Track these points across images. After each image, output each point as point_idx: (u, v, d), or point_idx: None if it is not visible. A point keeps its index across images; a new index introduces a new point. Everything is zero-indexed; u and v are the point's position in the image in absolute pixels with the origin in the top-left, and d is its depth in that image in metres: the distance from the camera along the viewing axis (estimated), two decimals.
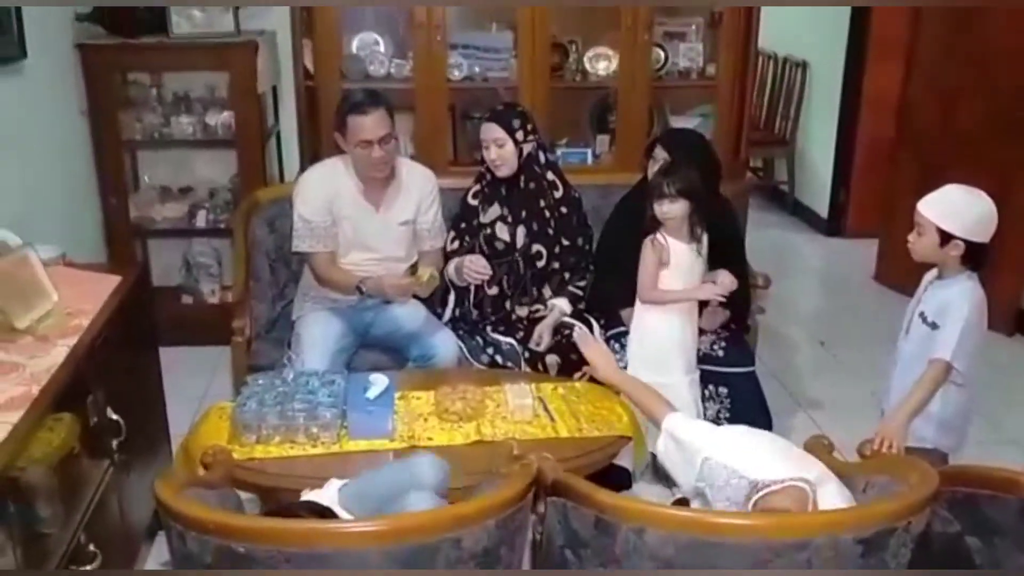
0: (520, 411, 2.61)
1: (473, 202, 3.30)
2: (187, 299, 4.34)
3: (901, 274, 4.98)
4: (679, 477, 2.13)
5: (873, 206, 5.48)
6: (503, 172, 3.18)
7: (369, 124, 2.98)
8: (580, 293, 3.30)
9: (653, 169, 3.17)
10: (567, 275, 3.29)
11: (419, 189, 3.23)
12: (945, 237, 2.44)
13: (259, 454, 2.43)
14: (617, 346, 3.23)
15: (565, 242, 3.27)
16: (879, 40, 5.53)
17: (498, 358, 3.15)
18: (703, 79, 4.23)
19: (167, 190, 4.31)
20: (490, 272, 3.18)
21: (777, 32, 5.92)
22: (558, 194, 3.27)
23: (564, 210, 3.27)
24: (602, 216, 3.49)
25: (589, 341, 2.83)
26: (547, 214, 3.24)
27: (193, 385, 3.75)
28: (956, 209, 2.44)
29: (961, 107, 4.63)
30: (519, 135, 3.14)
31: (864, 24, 5.58)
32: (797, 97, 6.31)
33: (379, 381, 2.63)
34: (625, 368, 3.06)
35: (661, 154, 3.17)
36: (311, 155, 3.91)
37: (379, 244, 3.17)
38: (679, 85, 4.29)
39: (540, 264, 3.26)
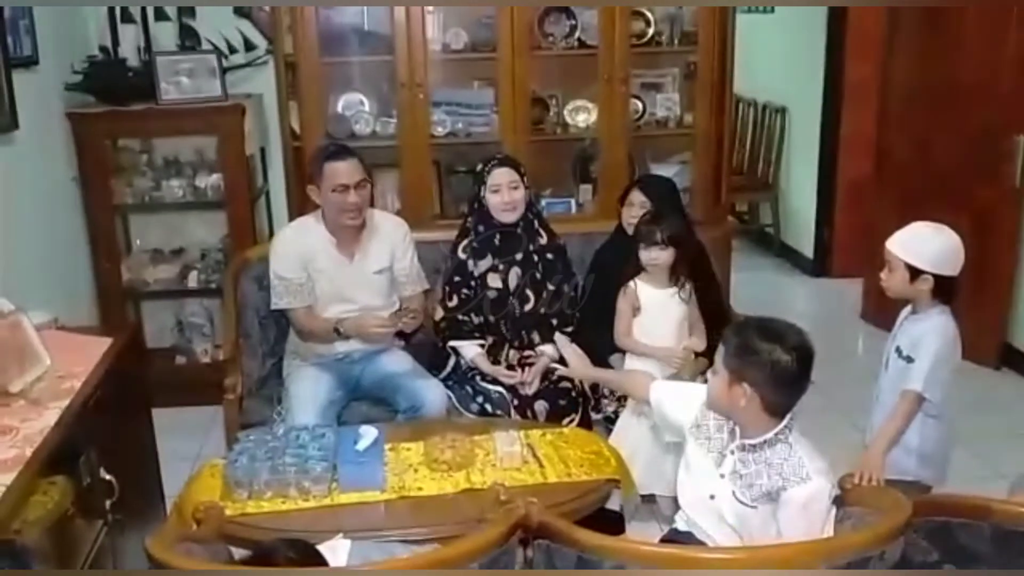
0: (509, 458, 2.64)
1: (463, 256, 3.35)
2: (180, 360, 4.37)
3: (886, 312, 5.00)
4: (677, 416, 2.30)
5: (857, 246, 5.55)
6: (512, 217, 3.25)
7: (346, 169, 3.09)
8: (568, 332, 3.34)
9: (629, 214, 3.26)
10: (554, 321, 3.33)
11: (391, 237, 3.31)
12: (914, 272, 2.50)
13: (251, 509, 2.45)
14: (606, 391, 3.27)
15: (551, 287, 3.33)
16: (853, 83, 5.66)
17: (488, 407, 3.19)
18: (681, 127, 4.31)
19: (159, 252, 4.37)
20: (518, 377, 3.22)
21: (756, 80, 6.08)
22: (543, 241, 3.36)
23: (550, 256, 3.35)
24: (586, 264, 3.56)
25: (565, 344, 2.98)
26: (535, 259, 3.31)
27: (188, 445, 3.77)
28: (923, 245, 2.51)
29: (934, 146, 4.73)
30: (525, 180, 3.28)
31: (838, 69, 5.71)
32: (777, 142, 6.43)
33: (368, 433, 2.66)
34: (618, 416, 3.10)
35: (638, 198, 3.26)
36: (299, 213, 3.96)
37: (356, 294, 3.23)
38: (658, 134, 4.38)
39: (528, 308, 3.31)
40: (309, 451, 2.56)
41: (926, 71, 4.73)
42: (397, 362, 3.30)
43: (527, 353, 3.32)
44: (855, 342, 5.16)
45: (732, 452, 2.15)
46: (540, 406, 3.16)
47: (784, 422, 2.08)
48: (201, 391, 3.83)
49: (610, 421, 3.19)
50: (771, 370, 2.01)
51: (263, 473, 2.49)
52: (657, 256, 2.99)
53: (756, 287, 5.43)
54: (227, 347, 3.39)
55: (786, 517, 2.04)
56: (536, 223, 3.38)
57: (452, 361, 3.33)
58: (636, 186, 3.36)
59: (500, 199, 3.23)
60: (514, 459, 2.64)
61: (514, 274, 3.31)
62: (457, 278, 3.35)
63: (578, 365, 2.85)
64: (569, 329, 3.35)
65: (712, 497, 2.18)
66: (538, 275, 3.31)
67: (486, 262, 3.32)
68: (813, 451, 2.09)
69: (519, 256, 3.31)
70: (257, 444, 2.61)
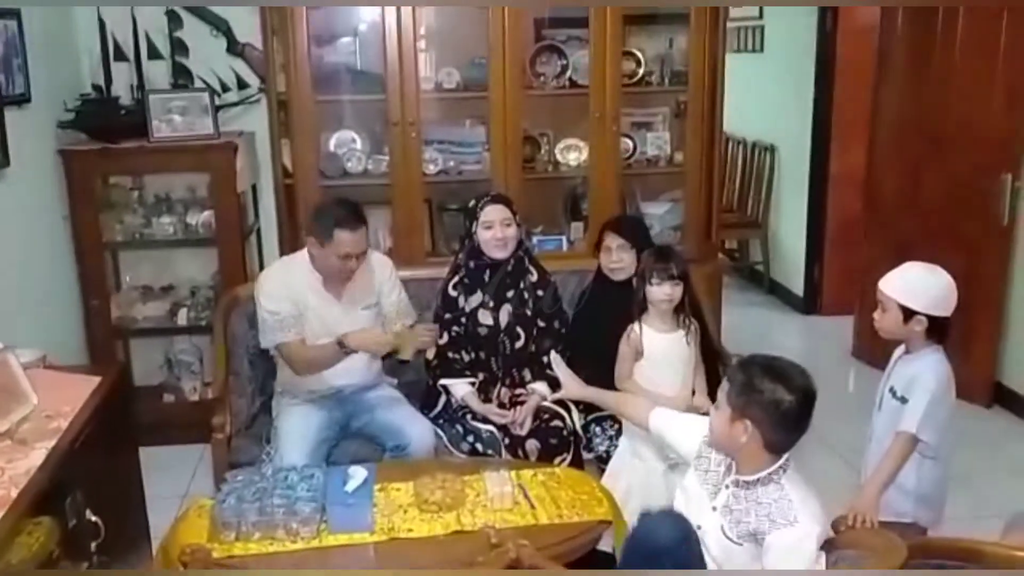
0: (500, 499, 2.61)
1: (453, 292, 3.35)
2: (169, 398, 4.34)
3: (878, 350, 5.01)
4: (679, 447, 2.36)
5: (847, 283, 5.56)
6: (504, 253, 3.25)
7: (356, 240, 3.09)
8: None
9: (609, 259, 3.27)
10: (544, 359, 3.31)
11: (377, 274, 3.31)
12: (908, 313, 2.50)
13: (239, 551, 2.42)
14: (598, 430, 3.25)
15: (541, 324, 3.33)
16: (842, 121, 5.70)
17: (478, 446, 3.17)
18: (671, 166, 4.35)
19: (149, 289, 4.35)
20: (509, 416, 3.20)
21: (745, 118, 6.13)
22: (533, 279, 3.36)
23: (540, 294, 3.35)
24: (576, 301, 3.56)
25: (559, 362, 2.95)
26: (525, 296, 3.31)
27: (175, 484, 3.74)
28: (916, 286, 2.52)
29: (923, 184, 4.76)
30: (517, 218, 3.29)
31: (827, 108, 5.75)
32: (767, 180, 6.46)
33: (358, 474, 2.64)
34: (610, 455, 3.08)
35: (615, 242, 3.27)
36: (290, 250, 3.96)
37: (345, 331, 3.18)
38: (648, 172, 4.41)
39: (519, 345, 3.31)
40: (297, 492, 2.53)
41: (914, 110, 4.78)
42: (387, 400, 3.29)
43: (518, 391, 3.31)
44: (846, 380, 5.15)
45: (727, 487, 2.16)
46: (531, 445, 3.14)
47: (780, 462, 2.09)
48: (189, 429, 3.81)
49: (602, 460, 3.17)
50: (774, 409, 2.03)
51: (251, 514, 2.46)
52: (671, 292, 2.96)
53: (747, 325, 5.44)
54: (216, 386, 3.36)
55: (770, 562, 2.03)
56: (527, 260, 3.38)
57: (443, 400, 3.31)
58: (608, 230, 3.35)
59: (492, 235, 3.23)
60: (505, 500, 2.61)
61: (505, 312, 3.31)
62: (447, 315, 3.34)
63: (572, 385, 2.86)
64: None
65: (699, 527, 2.19)
66: (528, 312, 3.31)
67: (476, 298, 3.31)
68: (807, 494, 2.09)
69: (510, 294, 3.31)
70: (245, 484, 2.58)
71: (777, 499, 2.06)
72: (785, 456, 2.10)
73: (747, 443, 2.07)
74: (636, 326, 3.01)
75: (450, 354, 3.31)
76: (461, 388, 3.28)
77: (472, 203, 3.34)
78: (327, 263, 3.14)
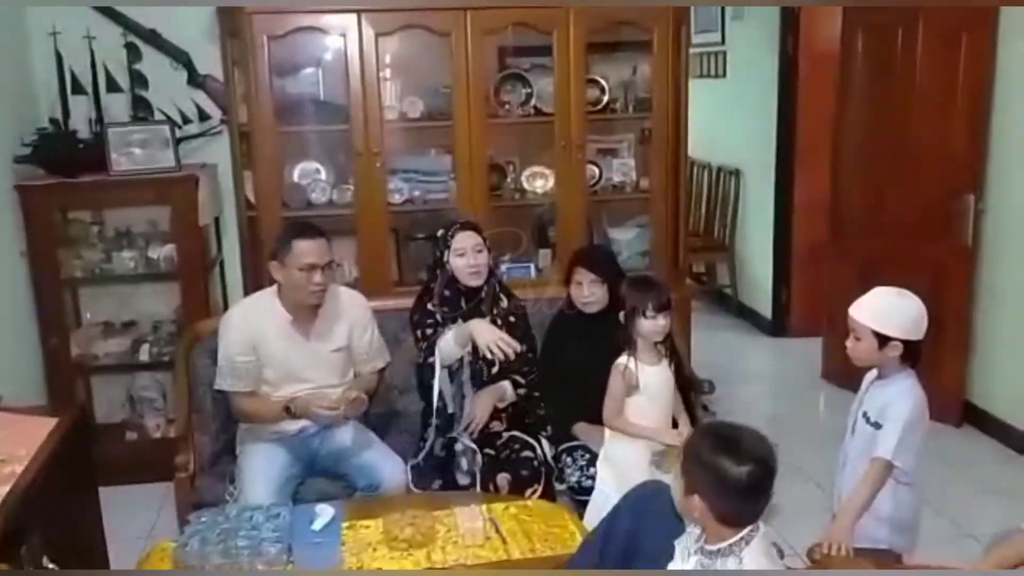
0: (471, 535, 2.57)
1: (432, 307, 3.25)
2: (131, 435, 4.25)
3: (847, 372, 5.01)
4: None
5: (814, 305, 5.59)
6: (478, 280, 3.19)
7: (315, 248, 3.03)
8: (523, 382, 3.28)
9: (580, 294, 3.25)
10: (518, 378, 3.28)
11: (350, 314, 3.24)
12: (882, 339, 2.49)
13: None
14: (569, 460, 3.21)
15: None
16: (806, 145, 5.74)
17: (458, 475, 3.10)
18: (637, 192, 4.35)
19: (110, 325, 4.27)
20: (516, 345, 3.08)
21: (709, 143, 6.16)
22: (504, 304, 3.31)
23: (512, 319, 3.29)
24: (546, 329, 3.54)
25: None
26: (499, 323, 3.24)
27: (139, 524, 3.66)
28: (888, 311, 2.51)
29: (887, 206, 4.80)
30: (487, 243, 3.23)
31: (790, 131, 5.80)
32: (732, 204, 6.50)
33: (325, 512, 2.59)
34: (590, 488, 3.04)
35: (586, 276, 3.25)
36: (254, 284, 3.92)
37: (311, 374, 3.14)
38: (614, 199, 4.41)
39: (495, 371, 3.24)
40: (263, 532, 2.48)
41: (876, 132, 4.83)
42: (354, 436, 3.21)
43: (492, 424, 3.24)
44: (816, 402, 5.16)
45: (694, 552, 2.06)
46: (502, 479, 3.09)
47: (742, 533, 1.96)
48: (153, 467, 3.72)
49: (574, 491, 3.13)
50: (719, 483, 1.91)
51: (215, 557, 2.40)
52: (665, 324, 2.93)
53: (715, 348, 5.44)
54: (179, 424, 3.29)
55: None
56: (498, 287, 3.34)
57: (427, 445, 3.20)
58: (578, 265, 3.33)
59: (465, 262, 3.16)
60: (476, 536, 2.57)
61: None
62: (429, 320, 3.23)
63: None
64: (529, 377, 3.30)
65: None
66: None
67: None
68: (766, 568, 1.98)
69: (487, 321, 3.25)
70: (208, 526, 2.53)
71: (734, 573, 1.96)
72: (749, 528, 1.97)
73: (701, 516, 1.98)
74: (630, 361, 2.94)
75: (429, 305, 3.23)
76: (444, 346, 3.13)
77: (441, 231, 3.28)
78: (294, 286, 3.05)
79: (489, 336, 3.01)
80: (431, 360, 3.14)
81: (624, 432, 2.97)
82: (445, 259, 3.20)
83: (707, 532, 2.01)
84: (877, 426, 2.51)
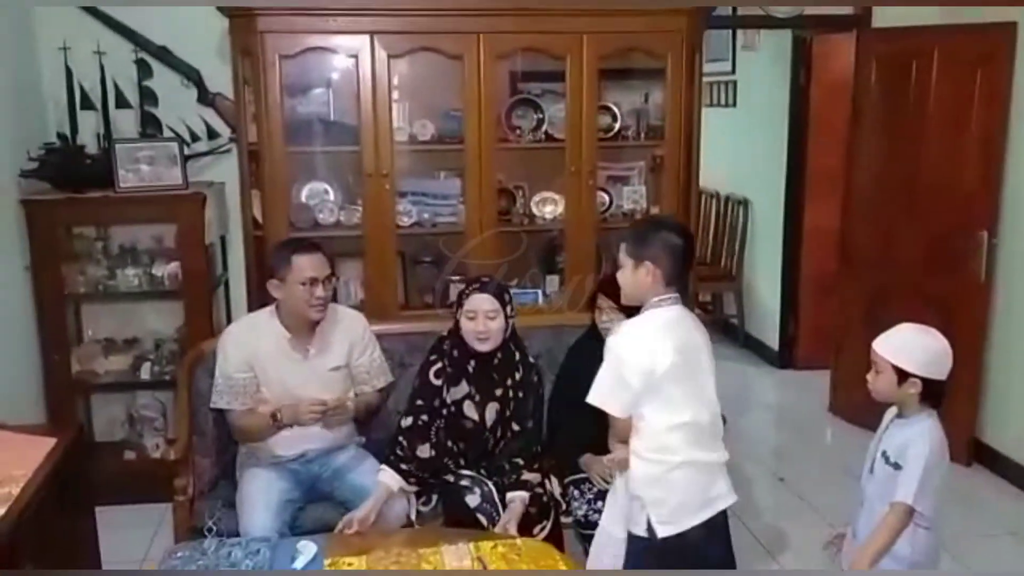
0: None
1: (436, 381, 3.09)
2: (130, 454, 4.20)
3: (855, 406, 5.02)
4: None
5: (822, 337, 5.54)
6: (486, 347, 3.01)
7: (314, 263, 3.02)
8: (536, 481, 3.08)
9: (600, 319, 3.19)
10: (520, 461, 3.08)
11: (350, 333, 3.20)
12: (902, 375, 2.45)
13: None
14: (576, 493, 3.15)
15: (516, 427, 3.12)
16: (816, 176, 5.72)
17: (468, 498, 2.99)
18: None
19: (111, 343, 4.23)
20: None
21: (718, 172, 6.13)
22: (519, 376, 3.13)
23: (521, 394, 3.13)
24: (554, 357, 3.48)
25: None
26: (510, 394, 3.11)
27: (135, 545, 3.61)
28: (911, 347, 2.46)
29: (898, 239, 4.76)
30: (508, 309, 3.05)
31: (801, 162, 5.77)
32: (741, 233, 6.47)
33: (307, 549, 2.55)
34: (588, 519, 2.97)
35: (605, 303, 3.19)
36: (259, 304, 3.86)
37: (309, 392, 3.08)
38: (624, 226, 4.34)
39: (502, 444, 3.13)
40: (242, 570, 2.41)
41: (890, 166, 4.80)
42: (356, 461, 3.17)
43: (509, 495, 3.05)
44: (823, 436, 5.11)
45: None
46: (516, 498, 2.98)
47: (657, 299, 2.47)
48: (151, 487, 3.65)
49: (581, 525, 3.07)
50: (667, 247, 2.45)
51: None
52: None
53: (721, 378, 5.29)
54: (179, 446, 3.23)
55: None
56: (517, 355, 3.14)
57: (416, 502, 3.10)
58: (602, 292, 3.27)
59: (474, 327, 2.99)
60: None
61: (492, 410, 3.08)
62: (420, 401, 3.08)
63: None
64: (535, 469, 3.10)
65: None
66: (508, 413, 3.12)
67: (461, 389, 3.07)
68: (657, 324, 2.46)
69: (498, 391, 3.09)
70: (185, 562, 2.46)
71: (619, 325, 2.62)
72: (667, 297, 2.47)
73: (653, 281, 2.45)
74: None
75: (403, 441, 3.03)
76: (388, 477, 3.00)
77: (462, 287, 3.14)
78: (295, 301, 3.03)
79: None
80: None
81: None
82: (458, 316, 3.05)
83: (646, 300, 2.50)
84: (896, 466, 2.46)
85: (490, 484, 3.05)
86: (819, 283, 5.74)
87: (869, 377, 2.52)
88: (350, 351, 3.18)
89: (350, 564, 2.56)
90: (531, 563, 2.59)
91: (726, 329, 6.72)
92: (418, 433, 3.04)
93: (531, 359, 3.20)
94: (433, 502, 3.07)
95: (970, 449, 4.52)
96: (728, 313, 6.75)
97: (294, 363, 3.10)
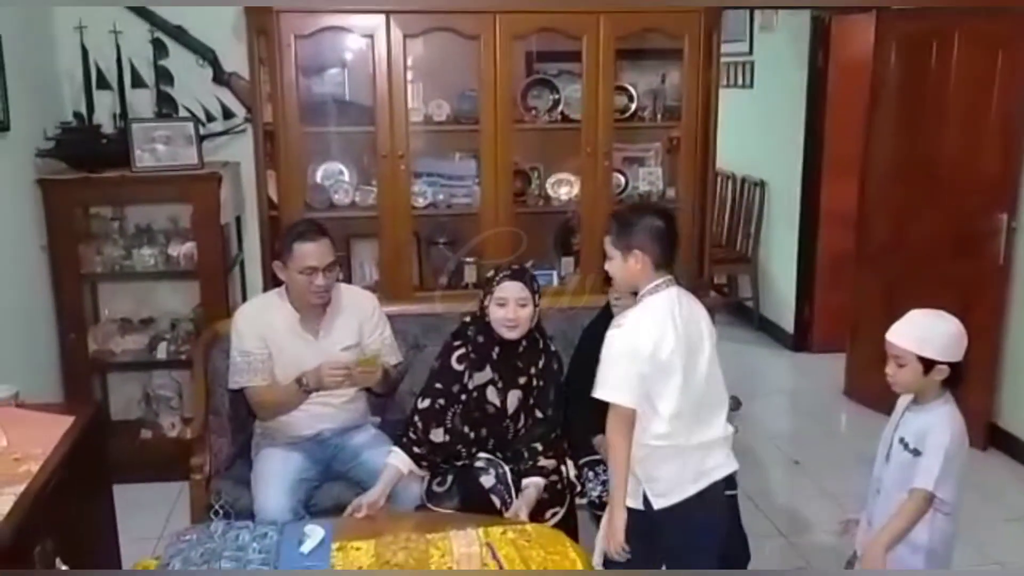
0: (467, 560, 2.47)
1: (458, 367, 3.04)
2: (146, 433, 4.23)
3: (871, 390, 4.99)
4: None
5: (838, 321, 5.51)
6: (514, 335, 2.98)
7: (316, 251, 3.01)
8: (552, 467, 3.07)
9: (613, 296, 3.17)
10: (539, 447, 3.06)
11: (359, 312, 3.21)
12: (928, 365, 2.41)
13: None
14: (591, 474, 3.14)
15: (538, 415, 3.10)
16: (833, 158, 5.67)
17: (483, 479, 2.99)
18: (663, 201, 4.28)
19: (128, 322, 4.25)
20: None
21: (735, 153, 6.08)
22: (541, 363, 3.11)
23: (543, 382, 3.11)
24: (569, 339, 3.46)
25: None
26: (534, 382, 3.09)
27: (151, 523, 3.62)
28: (930, 333, 2.43)
29: (916, 222, 4.72)
30: (536, 297, 3.02)
31: (818, 144, 5.73)
32: (757, 215, 6.43)
33: (315, 533, 2.52)
34: (603, 500, 2.96)
35: None
36: (274, 284, 3.87)
37: None
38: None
39: (522, 431, 3.11)
40: (249, 554, 2.40)
41: (908, 147, 4.75)
42: (371, 442, 3.18)
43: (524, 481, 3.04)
44: (838, 421, 5.09)
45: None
46: (531, 484, 2.98)
47: (654, 284, 2.50)
48: (167, 466, 3.69)
49: (595, 506, 3.06)
50: (653, 232, 2.48)
51: None
52: None
53: (735, 361, 5.34)
54: (195, 425, 3.24)
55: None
56: (541, 343, 3.12)
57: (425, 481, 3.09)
58: None
59: (504, 315, 2.95)
60: (472, 561, 2.47)
61: (514, 396, 3.06)
62: (439, 385, 3.05)
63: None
64: (552, 455, 3.09)
65: None
66: (531, 400, 3.10)
67: (484, 375, 3.03)
68: (661, 311, 2.47)
69: (521, 379, 3.06)
70: (192, 545, 2.44)
71: (622, 310, 2.63)
72: (662, 280, 2.50)
73: (642, 268, 2.48)
74: None
75: (417, 421, 3.01)
76: (398, 459, 2.98)
77: (490, 273, 3.10)
78: (296, 287, 3.05)
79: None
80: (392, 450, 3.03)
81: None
82: (486, 303, 3.01)
83: (640, 287, 2.52)
84: (916, 453, 2.44)
85: (505, 467, 3.04)
86: (835, 266, 5.71)
87: (889, 371, 2.48)
88: (360, 330, 3.19)
89: (358, 548, 2.55)
90: (541, 549, 2.57)
91: (741, 311, 6.70)
92: (433, 416, 3.02)
93: (552, 347, 3.18)
94: (448, 483, 3.06)
95: (987, 434, 4.49)
96: (743, 295, 6.73)
97: (305, 343, 3.11)
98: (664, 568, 2.60)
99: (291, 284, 3.07)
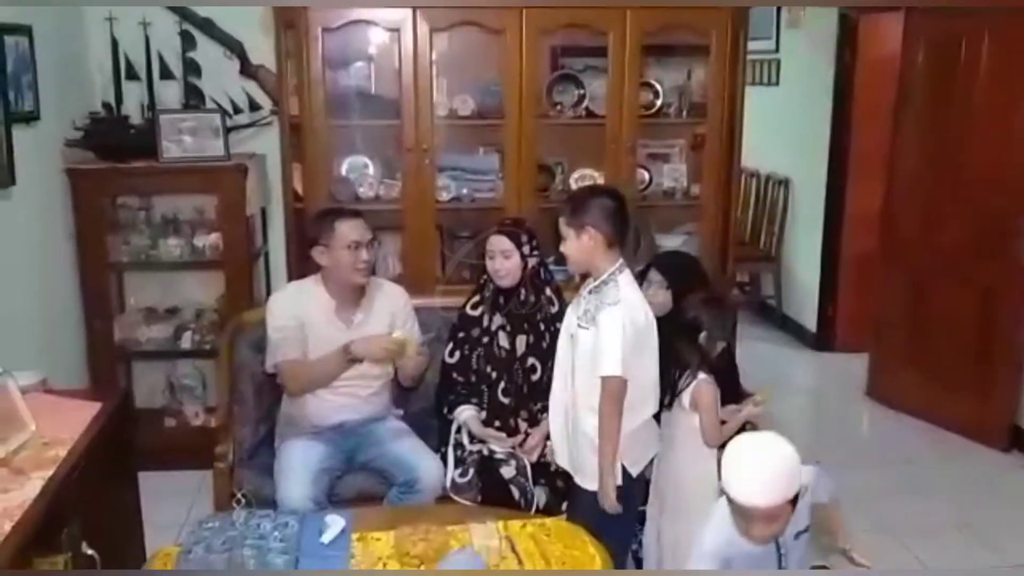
0: (486, 553, 2.49)
1: (473, 312, 3.29)
2: (170, 422, 4.26)
3: (894, 390, 4.98)
4: None
5: (861, 320, 5.49)
6: (505, 283, 3.20)
7: (358, 226, 3.11)
8: None
9: (648, 292, 3.16)
10: None
11: (392, 303, 3.26)
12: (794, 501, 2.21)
13: None
14: None
15: (550, 364, 3.12)
16: (860, 157, 5.62)
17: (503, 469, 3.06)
18: (687, 199, 4.28)
19: (153, 311, 4.28)
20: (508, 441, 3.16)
21: (759, 151, 6.05)
22: (554, 310, 3.25)
23: (554, 328, 3.20)
24: None
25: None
26: (542, 327, 3.22)
27: (175, 511, 3.65)
28: (784, 474, 2.19)
29: (941, 225, 4.69)
30: (525, 249, 3.19)
31: (844, 142, 5.69)
32: (781, 213, 6.40)
33: (335, 523, 2.55)
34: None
35: (656, 277, 3.17)
36: (299, 275, 3.89)
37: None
38: (664, 204, 4.34)
39: (535, 378, 3.21)
40: (270, 543, 2.41)
41: (935, 147, 4.72)
42: (394, 433, 3.21)
43: (531, 430, 3.19)
44: (860, 420, 5.06)
45: (584, 297, 2.73)
46: (539, 492, 3.04)
47: (618, 263, 2.68)
48: (190, 455, 3.71)
49: None
50: (606, 211, 2.65)
51: (219, 565, 2.34)
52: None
53: (757, 360, 5.31)
54: (220, 413, 3.28)
55: (600, 335, 2.61)
56: (548, 291, 3.28)
57: (452, 463, 3.18)
58: (653, 266, 3.26)
59: (493, 266, 3.20)
60: (491, 554, 2.49)
61: (522, 341, 3.23)
62: (461, 333, 3.29)
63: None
64: None
65: (571, 336, 2.76)
66: (544, 345, 3.21)
67: (497, 320, 3.26)
68: (632, 289, 2.70)
69: (526, 325, 3.23)
70: (214, 533, 2.46)
71: (610, 288, 2.65)
72: (621, 260, 2.69)
73: (595, 246, 2.64)
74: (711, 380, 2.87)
75: (455, 375, 3.27)
76: (464, 412, 3.20)
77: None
78: (341, 266, 3.08)
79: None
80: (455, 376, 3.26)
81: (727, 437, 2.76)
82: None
83: (596, 270, 2.68)
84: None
85: (525, 459, 3.10)
86: (859, 265, 5.67)
87: (770, 531, 2.18)
88: (392, 322, 3.22)
89: (378, 539, 2.57)
90: (559, 544, 2.59)
91: (763, 310, 6.67)
92: (463, 365, 3.27)
93: (563, 300, 3.26)
94: (469, 474, 3.09)
95: (1010, 435, 4.45)
96: (766, 294, 6.70)
97: (339, 331, 3.14)
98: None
99: (335, 264, 3.10)
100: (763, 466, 2.15)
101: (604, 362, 2.59)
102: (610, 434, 2.63)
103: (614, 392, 2.62)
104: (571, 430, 2.81)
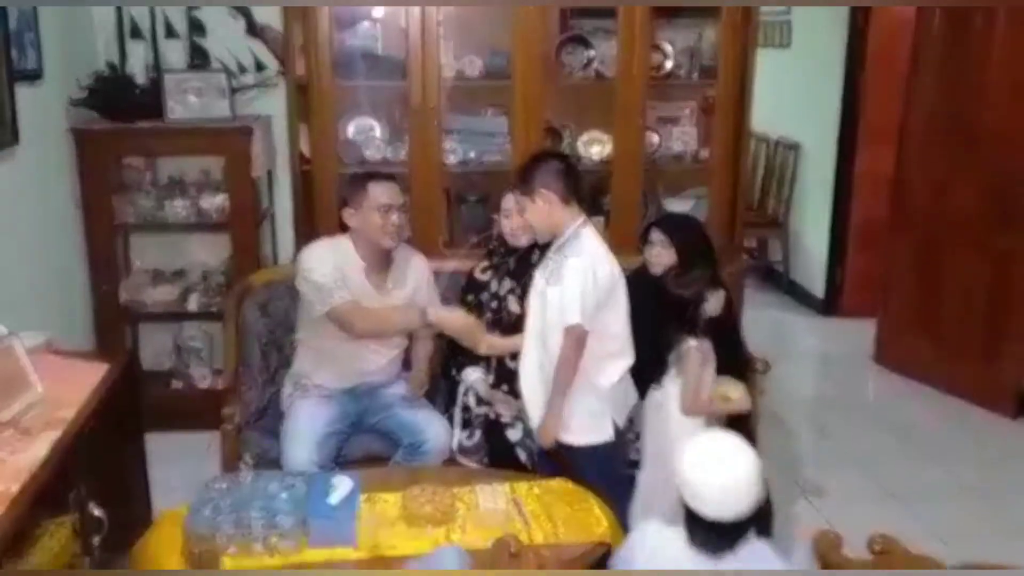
0: (492, 515, 2.50)
1: (483, 276, 3.27)
2: (177, 384, 4.27)
3: (900, 355, 4.97)
4: None
5: (869, 286, 5.46)
6: (522, 241, 3.17)
7: (390, 189, 3.09)
8: None
9: (651, 253, 3.13)
10: None
11: (417, 272, 3.26)
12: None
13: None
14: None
15: None
16: (870, 122, 5.57)
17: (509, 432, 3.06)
18: (696, 163, 4.23)
19: (159, 273, 4.28)
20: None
21: (769, 115, 5.99)
22: None
23: None
24: None
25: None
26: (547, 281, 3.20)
27: (181, 472, 3.62)
28: (741, 496, 2.03)
29: (953, 190, 4.65)
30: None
31: (855, 107, 5.63)
32: (790, 179, 6.35)
33: (343, 484, 2.54)
34: (638, 462, 2.98)
35: (658, 238, 3.13)
36: (306, 238, 3.88)
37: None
38: (673, 168, 4.30)
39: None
40: (277, 503, 2.40)
41: (948, 112, 4.66)
42: (403, 396, 3.21)
43: None
44: (866, 386, 5.06)
45: (550, 258, 2.84)
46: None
47: (579, 220, 2.81)
48: (197, 417, 3.70)
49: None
50: (557, 171, 2.78)
51: (226, 526, 2.34)
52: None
53: (764, 325, 5.32)
54: (226, 376, 3.27)
55: (564, 286, 2.72)
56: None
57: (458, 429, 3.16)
58: (655, 226, 3.23)
59: (508, 224, 3.17)
60: (498, 516, 2.50)
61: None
62: (470, 296, 3.26)
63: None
64: None
65: (541, 295, 2.84)
66: None
67: (506, 284, 3.22)
68: (597, 242, 2.81)
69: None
70: (222, 494, 2.45)
71: (572, 243, 2.76)
72: (583, 217, 2.83)
73: (552, 207, 2.77)
74: (706, 342, 2.84)
75: (476, 272, 3.29)
76: (472, 374, 3.17)
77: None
78: (372, 228, 3.05)
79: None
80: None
81: (709, 412, 2.83)
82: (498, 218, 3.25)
83: (559, 231, 2.80)
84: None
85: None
86: (869, 231, 5.64)
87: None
88: (416, 288, 3.23)
89: (385, 500, 2.58)
90: (566, 506, 2.59)
91: (770, 275, 6.65)
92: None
93: None
94: (476, 437, 3.10)
95: (1018, 401, 4.44)
96: (773, 259, 6.67)
97: (369, 295, 3.11)
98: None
99: (364, 226, 3.07)
100: (731, 480, 2.00)
101: (567, 312, 2.71)
102: (566, 381, 2.75)
103: (576, 340, 2.74)
104: (549, 388, 2.83)
